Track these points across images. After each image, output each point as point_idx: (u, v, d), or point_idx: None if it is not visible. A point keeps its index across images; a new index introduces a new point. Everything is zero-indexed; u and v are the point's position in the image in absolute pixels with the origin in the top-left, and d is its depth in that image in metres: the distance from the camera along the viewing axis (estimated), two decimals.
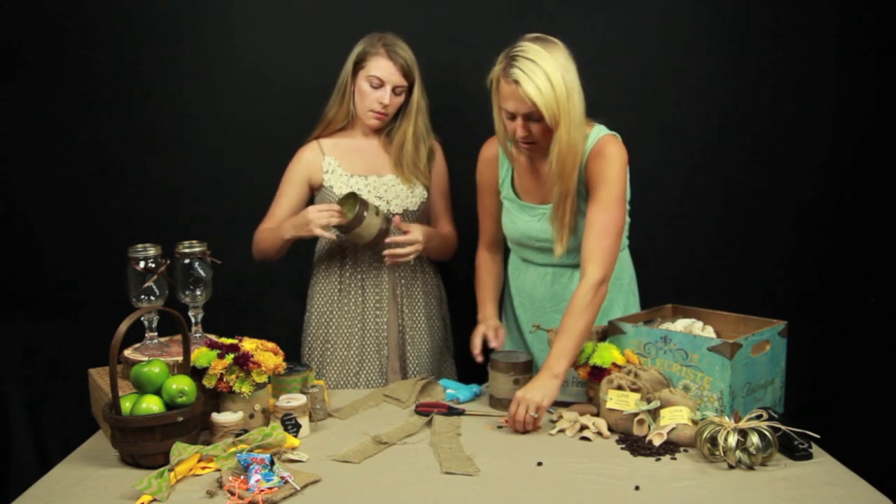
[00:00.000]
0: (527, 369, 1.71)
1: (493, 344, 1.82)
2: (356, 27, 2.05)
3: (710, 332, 1.75)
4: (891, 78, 2.33)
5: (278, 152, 2.14)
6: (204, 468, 1.38)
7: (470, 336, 1.88)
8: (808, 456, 1.41)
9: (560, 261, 1.84)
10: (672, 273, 2.38)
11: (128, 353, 1.60)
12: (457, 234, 2.13)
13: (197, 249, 1.63)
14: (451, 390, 1.79)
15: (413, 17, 2.27)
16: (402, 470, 1.39)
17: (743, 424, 1.39)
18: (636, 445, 1.47)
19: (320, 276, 2.08)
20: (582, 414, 1.60)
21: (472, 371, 2.07)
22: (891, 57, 2.32)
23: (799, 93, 2.35)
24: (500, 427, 1.61)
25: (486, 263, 2.02)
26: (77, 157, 2.36)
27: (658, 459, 1.41)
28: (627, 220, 1.85)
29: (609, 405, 1.55)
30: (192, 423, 1.42)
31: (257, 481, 1.28)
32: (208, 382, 1.50)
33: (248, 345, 1.56)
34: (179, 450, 1.35)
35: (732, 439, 1.36)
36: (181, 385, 1.42)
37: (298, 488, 1.29)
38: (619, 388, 1.55)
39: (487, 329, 1.85)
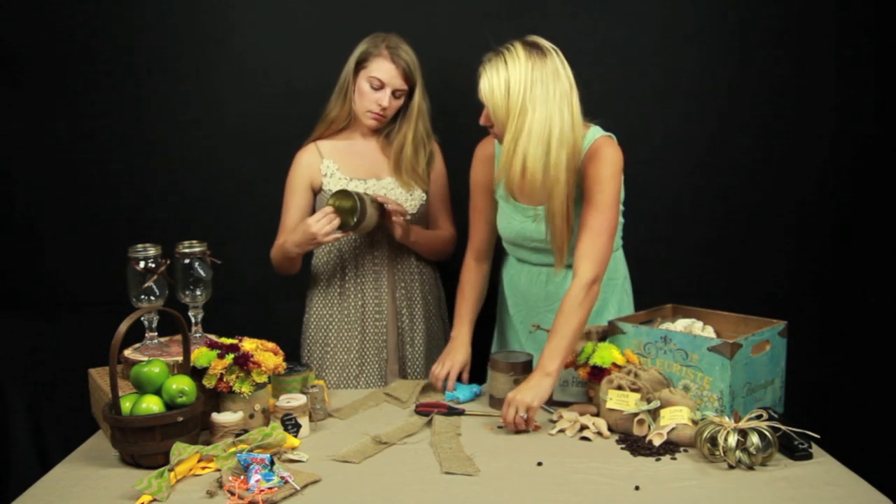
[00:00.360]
0: (527, 369, 1.71)
1: (450, 386, 1.79)
2: (356, 27, 2.05)
3: (710, 332, 1.75)
4: (891, 77, 2.33)
5: (278, 152, 2.14)
6: (204, 468, 1.37)
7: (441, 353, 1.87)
8: (808, 456, 1.41)
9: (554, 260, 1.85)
10: (672, 273, 2.38)
11: (128, 353, 1.60)
12: (455, 233, 2.13)
13: (197, 249, 1.63)
14: (451, 390, 1.78)
15: (413, 16, 2.27)
16: (402, 470, 1.39)
17: (743, 424, 1.39)
18: (636, 445, 1.47)
19: (320, 281, 2.08)
20: (582, 414, 1.60)
21: (471, 371, 2.07)
22: (891, 56, 2.32)
23: (799, 93, 2.35)
24: (500, 427, 1.61)
25: (471, 277, 1.96)
26: (77, 158, 2.36)
27: (658, 459, 1.41)
28: (621, 220, 1.85)
29: (609, 405, 1.55)
30: (192, 423, 1.42)
31: (257, 481, 1.28)
32: (208, 382, 1.50)
33: (248, 345, 1.56)
34: (179, 450, 1.35)
35: (732, 439, 1.36)
36: (181, 385, 1.42)
37: (298, 488, 1.29)
38: (619, 388, 1.55)
39: (454, 365, 1.81)
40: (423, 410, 1.68)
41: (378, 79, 1.93)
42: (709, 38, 2.33)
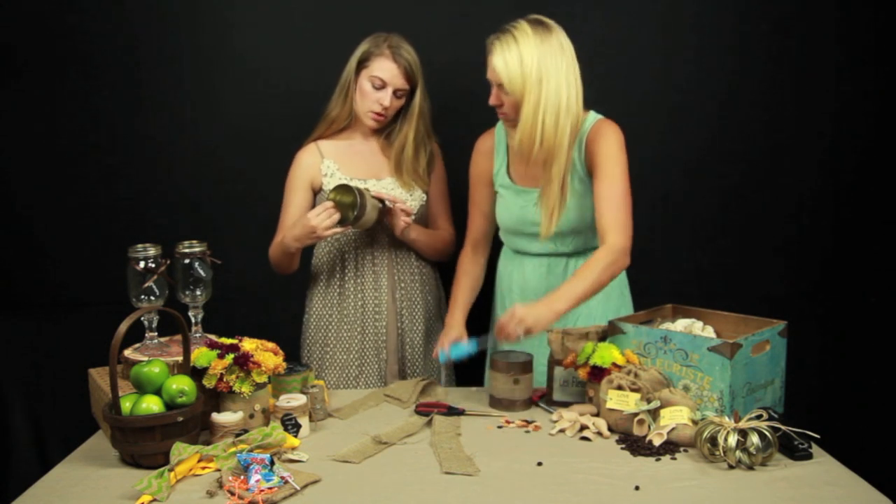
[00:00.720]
0: (527, 369, 1.71)
1: (442, 343, 1.80)
2: (357, 27, 2.05)
3: (710, 332, 1.75)
4: (891, 77, 2.33)
5: (278, 152, 2.14)
6: (204, 468, 1.37)
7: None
8: (808, 456, 1.41)
9: (555, 248, 1.87)
10: (672, 273, 2.38)
11: (128, 353, 1.60)
12: (455, 233, 2.13)
13: (197, 249, 1.63)
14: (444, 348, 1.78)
15: (413, 16, 2.27)
16: (402, 470, 1.39)
17: (743, 424, 1.39)
18: (636, 445, 1.47)
19: (320, 280, 2.08)
20: (582, 414, 1.60)
21: (471, 371, 2.07)
22: (891, 56, 2.32)
23: (799, 93, 2.35)
24: (500, 427, 1.61)
25: (467, 266, 1.99)
26: (77, 158, 2.36)
27: (658, 459, 1.41)
28: None
29: (609, 405, 1.55)
30: (192, 423, 1.42)
31: (257, 481, 1.28)
32: (208, 382, 1.50)
33: (248, 345, 1.56)
34: (179, 450, 1.35)
35: (732, 439, 1.36)
36: (181, 385, 1.42)
37: (298, 488, 1.29)
38: (619, 388, 1.55)
39: (447, 339, 1.82)
40: (423, 410, 1.68)
41: (380, 78, 1.93)
42: (708, 38, 2.33)
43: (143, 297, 1.59)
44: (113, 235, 2.29)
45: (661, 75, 2.35)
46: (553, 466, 1.39)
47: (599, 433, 1.54)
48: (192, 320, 1.67)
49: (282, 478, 1.30)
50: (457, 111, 2.25)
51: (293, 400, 1.57)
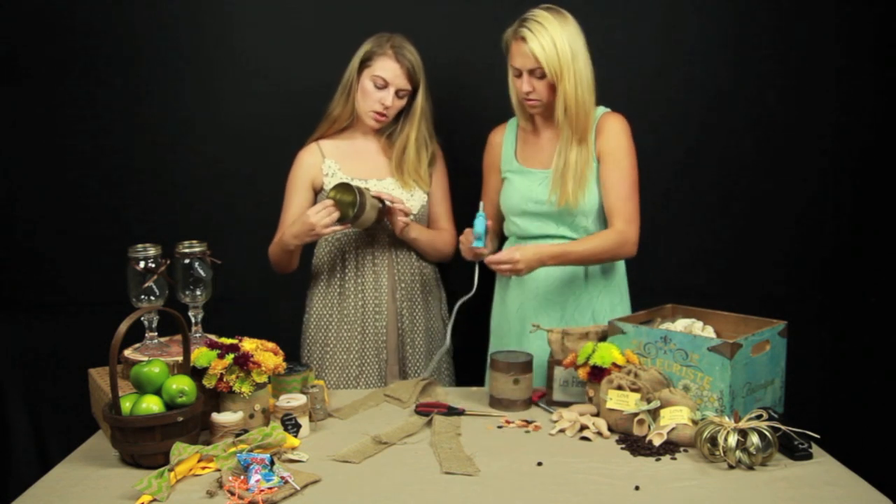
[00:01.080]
0: (527, 369, 1.71)
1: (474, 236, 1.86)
2: (357, 28, 2.05)
3: (710, 332, 1.75)
4: (891, 77, 2.33)
5: (278, 152, 2.14)
6: (204, 468, 1.37)
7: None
8: (808, 456, 1.41)
9: (556, 230, 1.92)
10: (672, 273, 2.38)
11: (128, 353, 1.60)
12: (457, 234, 2.13)
13: (197, 249, 1.63)
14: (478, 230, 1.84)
15: (414, 16, 2.27)
16: (402, 470, 1.39)
17: (743, 424, 1.39)
18: (636, 445, 1.47)
19: (320, 281, 2.08)
20: (582, 414, 1.60)
21: (471, 371, 2.07)
22: (892, 56, 2.32)
23: (799, 93, 2.35)
24: (500, 427, 1.61)
25: None
26: (77, 158, 2.36)
27: (658, 459, 1.41)
28: None
29: (609, 405, 1.55)
30: (192, 423, 1.42)
31: (257, 481, 1.28)
32: (208, 382, 1.50)
33: (248, 345, 1.56)
34: (179, 450, 1.35)
35: (732, 439, 1.36)
36: (181, 385, 1.42)
37: (298, 488, 1.29)
38: (619, 388, 1.55)
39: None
40: (423, 410, 1.68)
41: (382, 78, 1.93)
42: (709, 38, 2.34)
43: (143, 297, 1.59)
44: (113, 235, 2.29)
45: (661, 74, 2.35)
46: (553, 466, 1.39)
47: (599, 433, 1.54)
48: (192, 320, 1.67)
49: (282, 478, 1.30)
50: (458, 112, 2.26)
51: (293, 400, 1.57)
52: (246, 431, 1.44)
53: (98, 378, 1.61)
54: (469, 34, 2.32)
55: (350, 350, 2.04)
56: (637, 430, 1.51)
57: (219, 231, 2.29)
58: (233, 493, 1.26)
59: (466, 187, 2.15)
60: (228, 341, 1.55)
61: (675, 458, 1.42)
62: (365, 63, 1.96)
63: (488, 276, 2.05)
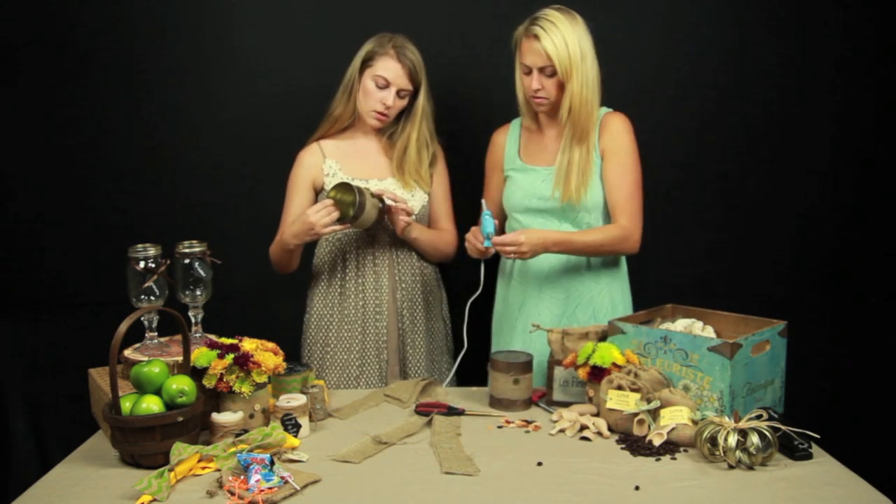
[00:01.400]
0: (527, 369, 1.71)
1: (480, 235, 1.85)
2: (357, 28, 2.05)
3: (710, 332, 1.75)
4: (892, 78, 2.33)
5: (278, 152, 2.14)
6: (204, 468, 1.37)
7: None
8: (808, 456, 1.41)
9: (561, 228, 1.92)
10: (672, 273, 2.38)
11: (128, 353, 1.60)
12: (457, 234, 2.13)
13: (197, 249, 1.63)
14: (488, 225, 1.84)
15: (415, 16, 2.27)
16: (402, 470, 1.39)
17: (743, 424, 1.39)
18: (636, 445, 1.47)
19: (321, 280, 2.08)
20: (582, 414, 1.60)
21: (472, 371, 2.07)
22: (892, 56, 2.32)
23: (800, 93, 2.36)
24: (500, 427, 1.61)
25: None
26: (77, 158, 2.36)
27: (658, 459, 1.41)
28: None
29: (609, 405, 1.55)
30: (192, 423, 1.42)
31: (257, 481, 1.28)
32: (208, 382, 1.50)
33: (248, 345, 1.56)
34: (179, 450, 1.35)
35: (732, 439, 1.36)
36: (181, 385, 1.42)
37: (298, 488, 1.29)
38: (619, 388, 1.55)
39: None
40: (423, 410, 1.68)
41: (383, 77, 1.93)
42: (708, 39, 2.34)
43: (143, 297, 1.59)
44: (113, 235, 2.29)
45: (661, 74, 2.35)
46: (553, 466, 1.39)
47: (599, 433, 1.54)
48: (192, 320, 1.67)
49: (282, 478, 1.30)
50: (459, 111, 2.26)
51: (293, 400, 1.57)
52: (246, 431, 1.44)
53: (98, 378, 1.61)
54: (469, 34, 2.33)
55: (351, 350, 2.04)
56: (637, 430, 1.51)
57: (219, 231, 2.29)
58: (233, 493, 1.26)
59: (468, 187, 2.15)
60: (228, 341, 1.55)
61: (675, 458, 1.42)
62: (367, 63, 1.96)
63: (490, 275, 2.06)
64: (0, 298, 2.40)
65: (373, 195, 1.89)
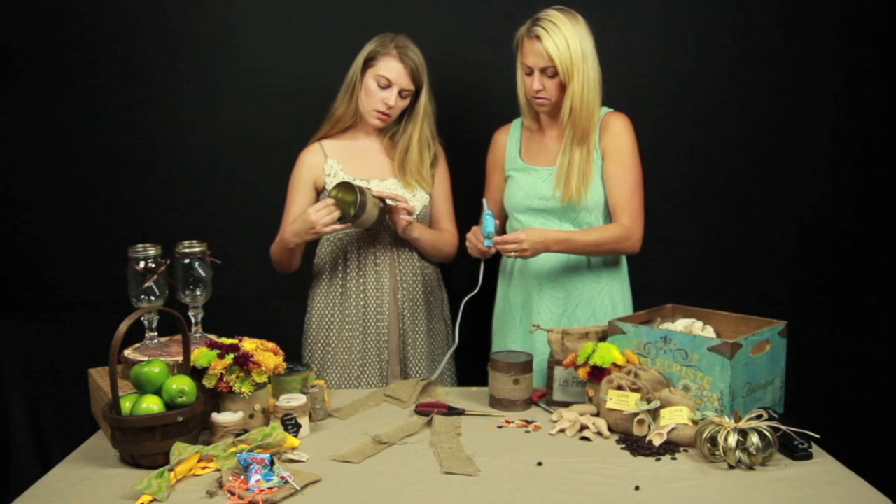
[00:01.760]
0: (527, 369, 1.71)
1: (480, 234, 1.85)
2: (358, 28, 2.06)
3: (710, 332, 1.75)
4: (892, 78, 2.33)
5: (278, 152, 2.14)
6: (204, 468, 1.37)
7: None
8: (808, 456, 1.41)
9: (561, 228, 1.93)
10: (672, 273, 2.38)
11: (128, 353, 1.60)
12: (458, 235, 2.12)
13: (197, 249, 1.63)
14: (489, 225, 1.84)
15: (415, 16, 2.27)
16: (402, 470, 1.39)
17: (743, 424, 1.39)
18: (636, 445, 1.47)
19: (322, 280, 2.08)
20: (582, 414, 1.60)
21: (472, 371, 2.07)
22: (892, 57, 2.32)
23: (800, 93, 2.36)
24: (500, 427, 1.61)
25: None
26: (77, 158, 2.36)
27: (658, 459, 1.41)
28: None
29: (609, 405, 1.55)
30: (192, 423, 1.42)
31: (257, 481, 1.28)
32: (208, 382, 1.50)
33: (248, 345, 1.56)
34: (179, 450, 1.35)
35: (732, 439, 1.36)
36: (181, 385, 1.42)
37: (298, 488, 1.29)
38: (619, 388, 1.55)
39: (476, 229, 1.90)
40: (423, 410, 1.68)
41: (386, 77, 1.94)
42: (709, 36, 2.33)
43: (143, 297, 1.59)
44: (113, 235, 2.29)
45: (661, 74, 2.35)
46: (553, 466, 1.39)
47: (599, 433, 1.54)
48: (192, 320, 1.67)
49: (282, 478, 1.30)
50: (459, 112, 2.26)
51: (293, 400, 1.57)
52: (246, 431, 1.44)
53: (98, 378, 1.61)
54: (470, 34, 2.33)
55: (352, 350, 2.04)
56: (637, 430, 1.51)
57: (219, 231, 2.29)
58: (233, 493, 1.26)
59: (468, 187, 2.15)
60: (228, 341, 1.55)
61: (675, 458, 1.42)
62: (369, 62, 1.96)
63: (490, 274, 2.06)
64: (0, 298, 2.40)
65: (374, 195, 1.89)
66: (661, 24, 2.34)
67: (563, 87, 1.85)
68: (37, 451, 2.44)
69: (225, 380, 1.49)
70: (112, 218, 2.37)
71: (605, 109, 1.95)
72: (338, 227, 1.87)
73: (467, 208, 2.11)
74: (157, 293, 1.59)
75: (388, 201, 1.91)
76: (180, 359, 1.52)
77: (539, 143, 2.01)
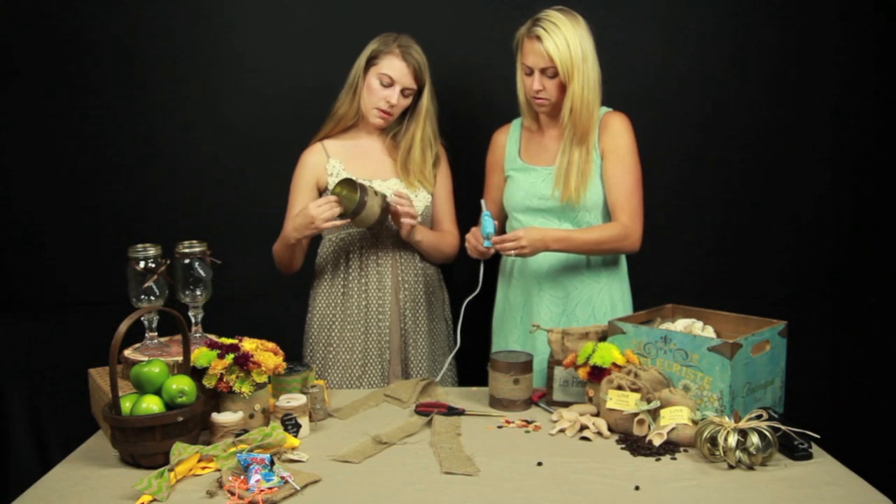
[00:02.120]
0: (527, 369, 1.71)
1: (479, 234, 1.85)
2: (358, 27, 2.06)
3: (710, 332, 1.75)
4: (892, 78, 2.33)
5: (278, 152, 2.14)
6: (204, 468, 1.37)
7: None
8: (808, 456, 1.41)
9: (558, 225, 1.93)
10: (672, 273, 2.38)
11: (128, 353, 1.60)
12: (460, 236, 2.12)
13: (197, 249, 1.63)
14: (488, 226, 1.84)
15: (416, 16, 2.27)
16: (402, 470, 1.39)
17: (743, 424, 1.39)
18: (636, 445, 1.47)
19: (323, 280, 2.08)
20: (582, 414, 1.60)
21: (472, 371, 2.07)
22: (892, 57, 2.32)
23: (800, 93, 2.35)
24: (500, 427, 1.61)
25: None
26: (77, 157, 2.36)
27: (658, 459, 1.41)
28: None
29: (609, 405, 1.55)
30: (192, 423, 1.42)
31: (257, 481, 1.28)
32: (208, 382, 1.50)
33: (248, 345, 1.56)
34: (179, 450, 1.35)
35: (732, 439, 1.36)
36: (181, 385, 1.42)
37: (298, 488, 1.29)
38: (619, 388, 1.55)
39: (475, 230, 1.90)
40: (423, 410, 1.68)
41: (388, 76, 1.94)
42: (709, 37, 2.34)
43: (143, 297, 1.59)
44: (113, 235, 2.29)
45: (661, 74, 2.35)
46: (553, 466, 1.39)
47: (599, 433, 1.54)
48: (192, 320, 1.67)
49: (282, 478, 1.30)
50: (460, 112, 2.26)
51: (293, 400, 1.57)
52: (246, 431, 1.44)
53: (98, 378, 1.61)
54: (470, 35, 2.33)
55: (353, 350, 2.04)
56: (637, 430, 1.51)
57: (219, 231, 2.29)
58: (233, 493, 1.26)
59: (468, 187, 2.15)
60: (228, 341, 1.55)
61: (675, 458, 1.42)
62: (371, 61, 1.97)
63: (490, 275, 2.06)
64: (0, 298, 2.40)
65: (376, 193, 1.89)
66: (661, 24, 2.34)
67: (563, 88, 1.85)
68: (37, 451, 2.44)
69: (225, 380, 1.49)
70: (112, 218, 2.37)
71: (605, 109, 1.95)
72: (338, 222, 1.87)
73: (466, 208, 2.11)
74: (157, 293, 1.59)
75: (391, 198, 1.91)
76: (180, 359, 1.52)
77: (538, 143, 2.01)
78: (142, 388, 1.43)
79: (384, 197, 1.91)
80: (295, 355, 2.05)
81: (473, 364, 2.01)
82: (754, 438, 1.36)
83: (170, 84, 2.35)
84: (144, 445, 1.37)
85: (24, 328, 2.41)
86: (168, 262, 1.61)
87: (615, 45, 2.28)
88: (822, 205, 2.40)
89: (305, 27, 2.34)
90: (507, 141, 2.06)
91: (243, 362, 1.50)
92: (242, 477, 1.31)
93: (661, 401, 1.52)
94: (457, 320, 1.96)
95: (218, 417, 1.49)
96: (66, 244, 2.38)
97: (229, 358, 1.50)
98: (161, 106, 2.36)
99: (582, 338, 1.72)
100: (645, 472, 1.36)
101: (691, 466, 1.39)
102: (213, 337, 1.66)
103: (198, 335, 1.67)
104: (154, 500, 1.26)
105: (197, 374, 1.51)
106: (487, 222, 1.83)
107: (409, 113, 2.03)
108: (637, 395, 1.53)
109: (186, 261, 1.62)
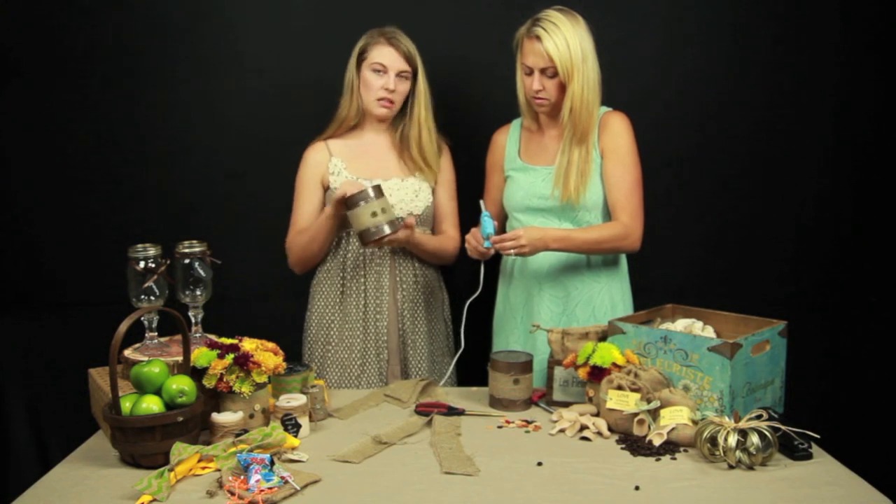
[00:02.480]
0: (527, 369, 1.71)
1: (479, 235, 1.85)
2: (358, 27, 2.05)
3: (710, 332, 1.75)
4: (892, 77, 2.33)
5: (279, 152, 2.14)
6: (204, 468, 1.37)
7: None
8: (808, 456, 1.41)
9: (559, 225, 1.93)
10: (672, 273, 2.38)
11: (128, 353, 1.60)
12: (460, 239, 2.11)
13: (197, 249, 1.63)
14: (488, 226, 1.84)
15: (415, 17, 2.26)
16: (402, 470, 1.39)
17: (743, 424, 1.39)
18: (636, 445, 1.47)
19: (322, 279, 2.08)
20: (582, 414, 1.60)
21: (472, 371, 2.07)
22: (892, 56, 2.32)
23: (800, 92, 2.35)
24: (500, 427, 1.61)
25: None
26: (77, 157, 2.36)
27: (658, 459, 1.41)
28: None
29: (609, 405, 1.55)
30: (192, 423, 1.42)
31: (257, 481, 1.28)
32: (208, 382, 1.50)
33: (248, 345, 1.56)
34: (179, 450, 1.35)
35: (732, 439, 1.36)
36: (181, 385, 1.42)
37: (298, 488, 1.29)
38: (619, 388, 1.55)
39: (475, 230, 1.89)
40: (423, 410, 1.68)
41: (380, 63, 1.95)
42: (709, 37, 2.34)
43: (143, 297, 1.59)
44: (113, 235, 2.29)
45: (661, 74, 2.34)
46: (553, 466, 1.39)
47: (599, 433, 1.54)
48: (192, 320, 1.67)
49: (282, 478, 1.30)
50: (459, 113, 2.26)
51: (293, 400, 1.57)
52: (246, 431, 1.44)
53: (98, 378, 1.61)
54: (470, 35, 2.32)
55: (352, 349, 2.04)
56: (637, 430, 1.51)
57: (219, 231, 2.28)
58: (233, 493, 1.26)
59: (468, 187, 2.15)
60: (228, 341, 1.56)
61: (675, 458, 1.42)
62: (362, 56, 1.98)
63: (491, 276, 2.06)
64: (0, 298, 2.40)
65: (384, 211, 1.82)
66: (661, 24, 2.33)
67: (562, 88, 1.85)
68: (37, 451, 2.44)
69: (225, 380, 1.49)
70: (112, 218, 2.37)
71: (604, 108, 1.95)
72: (337, 194, 1.84)
73: (466, 208, 2.11)
74: (157, 293, 1.59)
75: (398, 231, 1.85)
76: (180, 359, 1.52)
77: (538, 142, 2.01)
78: (142, 388, 1.43)
79: (391, 222, 1.83)
80: (294, 355, 2.05)
81: (473, 364, 2.01)
82: (754, 438, 1.36)
83: (170, 84, 2.35)
84: (144, 445, 1.37)
85: (24, 328, 2.41)
86: (168, 262, 1.61)
87: (615, 45, 2.28)
88: (822, 205, 2.39)
89: (305, 27, 2.34)
90: (507, 141, 2.06)
91: (243, 362, 1.50)
92: (242, 477, 1.31)
93: (661, 401, 1.52)
94: (458, 321, 1.96)
95: (218, 417, 1.49)
96: (66, 244, 2.38)
97: (229, 358, 1.50)
98: (161, 106, 2.36)
99: (582, 338, 1.72)
100: (645, 472, 1.36)
101: (691, 466, 1.39)
102: (213, 337, 1.66)
103: (198, 335, 1.67)
104: (154, 500, 1.26)
105: (197, 374, 1.51)
106: (487, 223, 1.83)
107: (409, 101, 2.03)
108: (637, 395, 1.53)
109: (186, 261, 1.62)
